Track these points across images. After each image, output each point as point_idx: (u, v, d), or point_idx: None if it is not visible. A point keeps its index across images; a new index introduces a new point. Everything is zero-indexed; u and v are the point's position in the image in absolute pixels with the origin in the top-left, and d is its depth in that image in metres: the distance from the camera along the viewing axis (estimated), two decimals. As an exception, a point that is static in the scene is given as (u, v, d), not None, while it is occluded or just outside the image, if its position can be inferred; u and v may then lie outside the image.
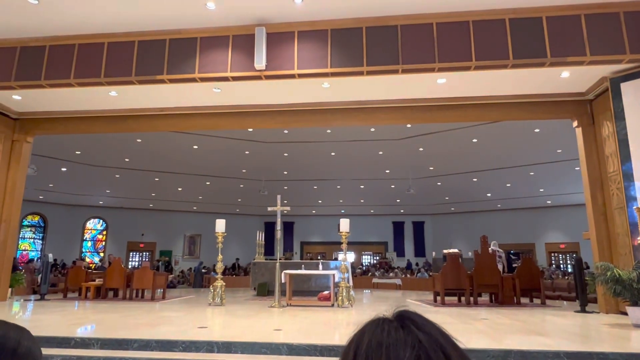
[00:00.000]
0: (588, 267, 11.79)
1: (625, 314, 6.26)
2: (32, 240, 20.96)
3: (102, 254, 22.20)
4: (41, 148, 12.71)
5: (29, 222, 20.82)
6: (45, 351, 4.14)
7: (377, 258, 24.49)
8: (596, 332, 5.53)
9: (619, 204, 7.11)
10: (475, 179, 17.03)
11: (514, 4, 6.76)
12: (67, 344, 4.46)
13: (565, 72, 7.20)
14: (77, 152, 14.15)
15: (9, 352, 0.74)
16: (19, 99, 8.57)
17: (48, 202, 20.46)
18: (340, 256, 9.29)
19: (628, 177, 6.77)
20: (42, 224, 21.23)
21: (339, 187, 18.92)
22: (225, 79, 7.37)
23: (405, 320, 0.63)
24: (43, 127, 9.47)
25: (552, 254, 21.21)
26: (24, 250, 20.38)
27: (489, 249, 9.72)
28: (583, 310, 7.49)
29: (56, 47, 7.69)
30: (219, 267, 9.09)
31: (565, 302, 10.51)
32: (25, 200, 10.32)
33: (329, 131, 12.68)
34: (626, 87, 6.92)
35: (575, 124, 8.19)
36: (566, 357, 3.96)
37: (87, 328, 5.51)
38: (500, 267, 10.06)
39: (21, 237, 20.03)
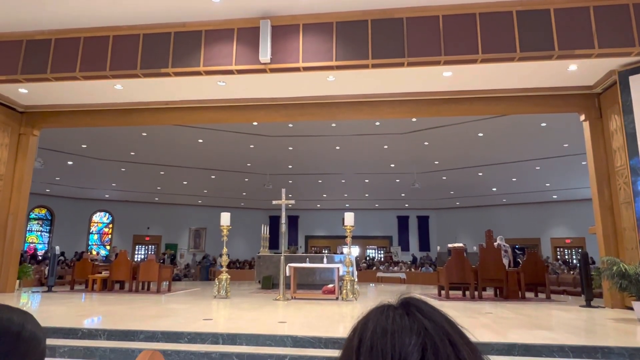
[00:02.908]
0: (594, 262, 11.72)
1: (631, 308, 6.24)
2: (39, 233, 21.15)
3: (108, 247, 22.37)
4: (47, 141, 12.77)
5: (36, 215, 20.99)
6: (53, 342, 4.19)
7: (382, 252, 24.51)
8: (601, 327, 5.51)
9: (626, 199, 7.05)
10: (480, 174, 16.94)
11: (521, -4, 6.69)
12: (74, 335, 4.51)
13: (573, 65, 7.12)
14: (83, 146, 14.21)
15: (13, 335, 0.74)
16: (25, 93, 8.61)
17: (55, 195, 20.59)
18: (345, 250, 9.30)
19: (635, 171, 6.71)
20: (49, 217, 21.41)
21: (343, 181, 18.89)
22: (230, 72, 7.36)
23: (410, 307, 0.63)
24: (49, 121, 9.52)
25: (558, 249, 21.12)
26: (32, 242, 20.58)
27: (495, 243, 9.69)
28: (588, 305, 7.47)
29: (62, 40, 7.70)
30: (224, 260, 9.13)
31: (570, 296, 10.47)
32: (32, 193, 10.39)
33: (333, 125, 12.64)
34: (635, 80, 6.83)
35: (582, 117, 8.11)
36: (571, 351, 3.95)
37: (94, 319, 5.57)
38: (505, 261, 10.02)
39: (28, 230, 20.22)
